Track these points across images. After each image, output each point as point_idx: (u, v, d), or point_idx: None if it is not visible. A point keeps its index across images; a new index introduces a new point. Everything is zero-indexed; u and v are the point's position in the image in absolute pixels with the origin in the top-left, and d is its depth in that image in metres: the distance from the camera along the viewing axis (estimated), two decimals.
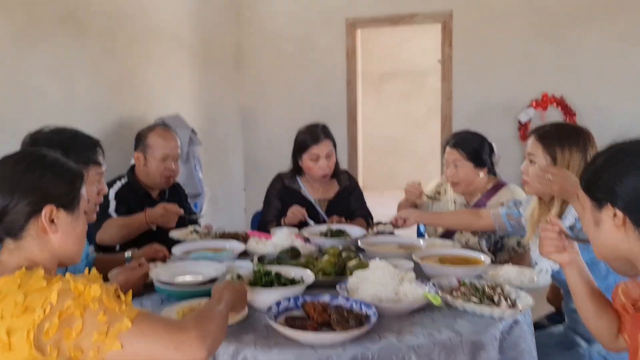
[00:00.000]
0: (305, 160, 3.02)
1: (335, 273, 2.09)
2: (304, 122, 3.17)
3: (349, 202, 3.13)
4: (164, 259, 2.27)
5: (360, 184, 8.99)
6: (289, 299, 1.81)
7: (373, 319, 1.68)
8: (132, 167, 2.87)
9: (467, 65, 5.38)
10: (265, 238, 2.50)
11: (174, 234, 2.65)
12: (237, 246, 2.41)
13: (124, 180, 2.81)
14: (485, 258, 2.22)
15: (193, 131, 4.55)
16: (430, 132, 8.02)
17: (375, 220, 3.02)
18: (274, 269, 2.00)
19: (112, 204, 2.69)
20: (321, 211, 3.06)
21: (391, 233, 2.68)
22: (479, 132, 2.84)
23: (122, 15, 4.11)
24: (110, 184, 2.76)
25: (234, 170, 5.94)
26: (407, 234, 2.94)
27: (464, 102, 5.38)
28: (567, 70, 5.12)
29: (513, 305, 1.86)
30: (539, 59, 5.18)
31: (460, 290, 1.95)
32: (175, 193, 3.00)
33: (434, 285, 1.98)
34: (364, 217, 3.11)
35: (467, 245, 2.65)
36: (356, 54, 5.79)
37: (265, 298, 1.81)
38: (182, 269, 2.06)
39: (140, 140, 2.83)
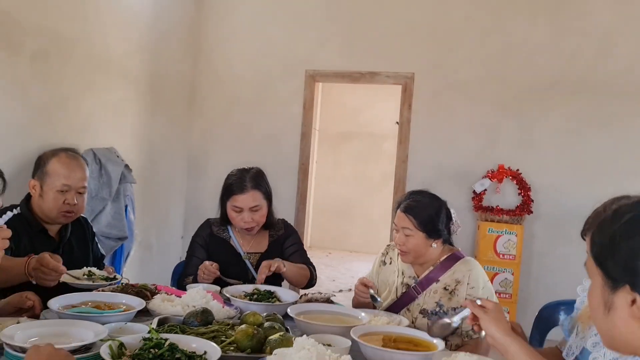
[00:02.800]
0: (229, 209, 2.57)
1: (252, 349, 1.60)
2: None
3: (282, 253, 2.66)
4: (36, 313, 1.73)
5: (308, 243, 8.58)
6: None
7: None
8: (28, 197, 2.34)
9: (425, 129, 5.12)
10: (175, 295, 2.00)
11: (66, 277, 2.12)
12: (137, 303, 1.89)
13: (15, 211, 2.28)
14: (438, 342, 1.78)
15: (127, 167, 4.04)
16: (384, 196, 7.69)
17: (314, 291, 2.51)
18: (173, 338, 1.50)
19: None
20: (251, 267, 2.58)
21: (328, 300, 2.21)
22: (437, 196, 2.42)
23: (60, 36, 3.66)
24: None
25: (173, 216, 5.40)
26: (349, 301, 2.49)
27: (419, 166, 5.07)
28: (526, 145, 4.91)
29: None
30: (499, 131, 4.97)
31: None
32: (79, 231, 2.47)
33: None
34: (304, 263, 2.64)
35: (414, 325, 2.20)
36: (314, 107, 5.46)
37: None
38: (48, 330, 1.53)
39: (39, 166, 2.32)
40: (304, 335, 1.50)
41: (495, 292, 2.33)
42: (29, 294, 1.75)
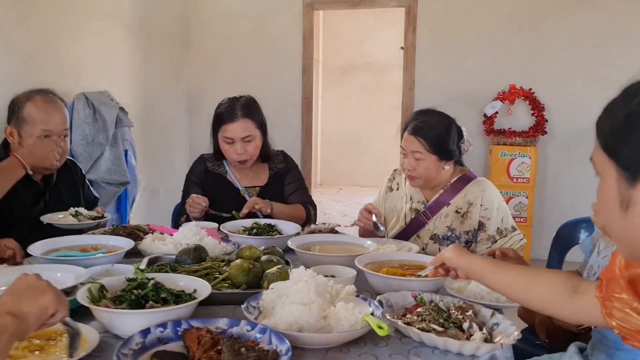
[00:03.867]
0: (220, 141, 2.38)
1: (248, 284, 1.46)
2: None
3: (282, 188, 2.50)
4: (17, 261, 1.60)
5: (318, 180, 8.45)
6: (163, 326, 1.17)
7: (284, 359, 1.07)
8: (5, 142, 2.17)
9: (431, 53, 4.84)
10: (168, 234, 1.85)
11: (47, 217, 1.99)
12: (125, 244, 1.75)
13: None
14: None
15: (122, 109, 3.84)
16: (390, 128, 7.45)
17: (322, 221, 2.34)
18: (160, 277, 1.36)
19: None
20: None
21: (333, 230, 2.05)
22: (445, 114, 2.21)
23: None
24: None
25: (177, 158, 5.24)
26: (356, 233, 2.34)
27: (426, 92, 4.82)
28: (538, 62, 4.61)
29: (490, 336, 1.28)
30: (509, 49, 4.67)
31: (417, 312, 1.35)
32: (66, 174, 2.31)
33: (380, 304, 1.37)
34: (303, 203, 2.46)
35: (425, 253, 2.05)
36: (314, 38, 5.17)
37: (126, 323, 1.17)
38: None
39: (13, 112, 2.12)
40: (301, 267, 1.34)
41: None
42: (7, 242, 1.61)
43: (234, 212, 2.24)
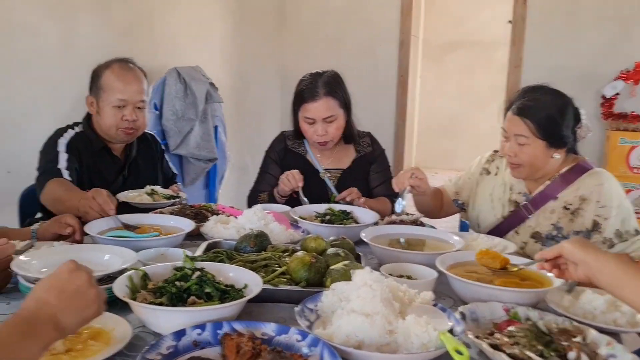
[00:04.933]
0: (300, 120, 2.20)
1: (308, 281, 1.27)
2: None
3: (368, 175, 2.27)
4: (76, 239, 1.52)
5: (412, 162, 8.11)
6: (202, 327, 1.00)
7: None
8: (89, 114, 2.13)
9: (543, 27, 4.33)
10: (234, 216, 1.70)
11: (122, 195, 1.92)
12: (186, 225, 1.62)
13: (77, 129, 2.08)
14: (553, 275, 1.33)
15: (212, 85, 3.78)
16: (493, 110, 6.93)
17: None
18: (211, 267, 1.20)
19: (63, 158, 1.96)
20: (330, 185, 2.22)
21: (417, 222, 1.80)
22: (560, 92, 1.84)
23: None
24: (60, 133, 2.04)
25: (268, 136, 5.13)
26: (443, 225, 2.07)
27: (535, 71, 4.33)
28: None
29: None
30: (635, 21, 4.06)
31: (509, 331, 1.09)
32: (146, 148, 2.24)
33: (462, 317, 1.13)
34: (388, 196, 2.23)
35: (523, 253, 1.75)
36: (412, 12, 4.83)
37: (159, 321, 1.02)
38: (72, 257, 1.28)
39: (93, 80, 2.07)
40: (367, 268, 1.12)
41: None
42: (67, 219, 1.53)
43: (332, 196, 2.07)
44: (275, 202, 2.14)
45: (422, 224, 1.79)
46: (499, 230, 1.89)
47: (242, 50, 4.62)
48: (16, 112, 2.69)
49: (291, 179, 2.04)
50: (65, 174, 1.92)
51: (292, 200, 2.09)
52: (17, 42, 2.71)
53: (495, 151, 2.05)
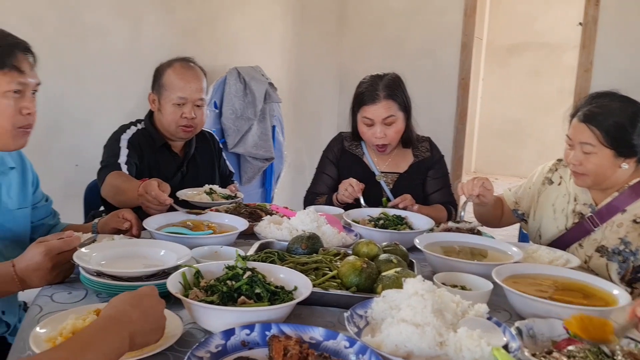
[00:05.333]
0: (359, 122, 2.18)
1: (359, 286, 1.25)
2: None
3: (425, 181, 2.23)
4: (133, 234, 1.56)
5: (472, 167, 7.92)
6: (250, 327, 1.01)
7: None
8: (151, 111, 2.20)
9: (616, 29, 4.13)
10: (287, 217, 1.71)
11: (182, 192, 1.97)
12: (240, 224, 1.64)
13: (139, 126, 2.15)
14: (620, 293, 1.26)
15: (271, 85, 3.83)
16: (560, 115, 6.66)
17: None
18: (262, 268, 1.21)
19: (124, 153, 2.03)
20: (386, 188, 2.20)
21: (474, 231, 1.75)
22: (631, 99, 1.74)
23: None
24: (123, 129, 2.12)
25: (325, 137, 5.16)
26: (502, 235, 2.00)
27: (605, 75, 4.13)
28: None
29: None
30: None
31: (569, 351, 1.03)
32: (205, 146, 2.29)
33: (518, 333, 1.08)
34: (444, 203, 2.19)
35: (587, 267, 1.66)
36: (476, 13, 4.71)
37: (209, 319, 1.03)
38: (129, 251, 1.33)
39: (156, 78, 2.14)
40: (419, 277, 1.10)
41: None
42: (125, 214, 1.58)
43: (384, 199, 2.06)
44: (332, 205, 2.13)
45: (479, 233, 1.73)
46: (561, 242, 1.81)
47: (301, 51, 4.65)
48: (85, 108, 2.82)
49: (350, 190, 2.02)
50: (124, 168, 1.98)
51: (351, 204, 2.08)
52: (88, 43, 2.85)
53: (559, 160, 1.96)
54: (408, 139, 2.21)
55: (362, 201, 2.03)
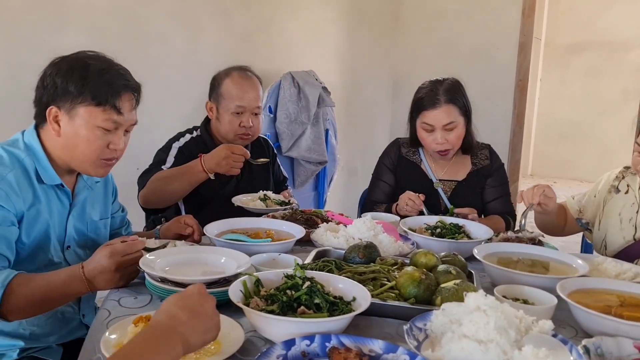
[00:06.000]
0: (418, 128, 2.15)
1: (417, 298, 1.24)
2: None
3: (483, 189, 2.19)
4: (195, 239, 1.60)
5: (529, 170, 7.70)
6: (310, 338, 1.02)
7: None
8: (207, 119, 2.25)
9: None
10: (343, 224, 1.71)
11: (237, 199, 2.00)
12: (297, 231, 1.65)
13: (195, 134, 2.20)
14: None
15: (325, 89, 3.84)
16: (622, 117, 6.39)
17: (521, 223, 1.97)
18: (321, 277, 1.22)
19: (170, 161, 2.08)
20: (444, 196, 2.16)
21: (535, 241, 1.70)
22: None
23: None
24: (177, 137, 2.18)
25: (378, 140, 5.15)
26: (562, 243, 1.94)
27: None
28: None
29: None
30: None
31: None
32: (260, 152, 2.32)
33: (585, 351, 1.04)
34: (503, 213, 2.14)
35: None
36: (535, 12, 4.57)
37: (270, 328, 1.05)
38: (191, 258, 1.36)
39: (214, 87, 2.19)
40: (480, 291, 1.07)
41: None
42: (187, 219, 1.63)
43: (451, 207, 2.03)
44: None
45: (540, 243, 1.68)
46: (628, 254, 1.73)
47: (355, 54, 4.65)
48: (145, 113, 2.90)
49: (411, 204, 2.00)
50: None
51: None
52: (149, 50, 2.95)
53: (626, 167, 1.88)
54: (468, 145, 2.17)
55: (425, 211, 2.00)
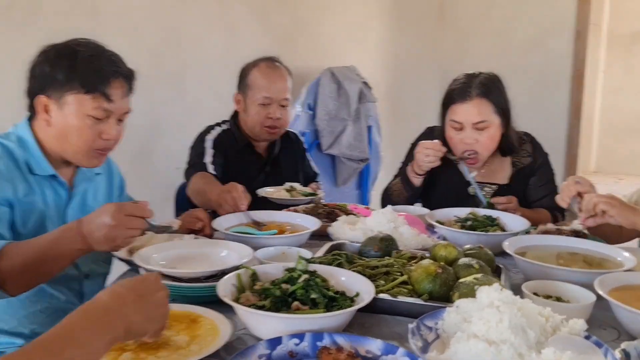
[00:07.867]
0: (447, 127, 1.92)
1: (432, 294, 1.10)
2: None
3: (526, 189, 1.95)
4: (206, 233, 1.53)
5: (592, 167, 7.24)
6: (299, 337, 0.91)
7: None
8: (236, 112, 2.18)
9: None
10: (363, 216, 1.59)
11: (262, 190, 1.93)
12: (311, 224, 1.55)
13: (224, 126, 2.15)
14: None
15: (366, 84, 3.72)
16: None
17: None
18: (324, 270, 1.11)
19: (209, 153, 2.04)
20: (483, 200, 1.87)
21: (578, 233, 1.50)
22: None
23: None
24: (208, 130, 2.13)
25: None
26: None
27: None
28: None
29: None
30: None
31: None
32: (289, 147, 2.24)
33: (625, 356, 0.88)
34: (550, 208, 1.89)
35: None
36: None
37: (256, 325, 0.94)
38: (190, 252, 1.28)
39: (241, 78, 2.12)
40: (495, 285, 0.93)
41: None
42: (198, 213, 1.56)
43: (488, 199, 1.83)
44: (410, 185, 1.94)
45: (584, 236, 1.49)
46: None
47: (398, 49, 4.50)
48: (184, 113, 2.90)
49: (432, 152, 1.80)
50: (211, 168, 1.98)
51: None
52: (187, 51, 2.94)
53: None
54: (507, 148, 1.93)
55: (465, 171, 1.81)
